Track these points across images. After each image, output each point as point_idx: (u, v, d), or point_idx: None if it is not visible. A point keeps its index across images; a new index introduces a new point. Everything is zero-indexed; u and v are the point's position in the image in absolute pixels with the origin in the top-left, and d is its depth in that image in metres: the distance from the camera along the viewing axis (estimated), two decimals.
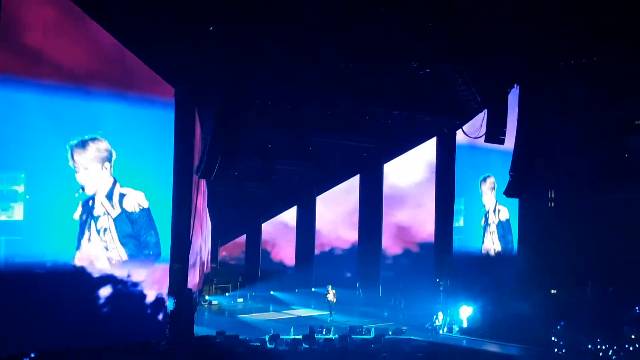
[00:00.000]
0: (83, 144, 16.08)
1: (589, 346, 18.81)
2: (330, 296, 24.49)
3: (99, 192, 16.48)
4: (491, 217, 27.06)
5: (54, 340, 15.36)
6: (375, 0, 17.55)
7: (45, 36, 15.10)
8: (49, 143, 15.51)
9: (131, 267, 16.92)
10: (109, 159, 16.53)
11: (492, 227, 27.15)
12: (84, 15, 15.48)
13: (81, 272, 16.05)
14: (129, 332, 16.65)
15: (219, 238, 31.14)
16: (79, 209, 16.13)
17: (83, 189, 16.18)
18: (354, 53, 19.57)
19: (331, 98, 22.30)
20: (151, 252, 17.24)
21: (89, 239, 16.28)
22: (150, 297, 17.21)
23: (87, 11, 15.46)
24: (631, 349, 18.56)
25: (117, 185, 16.71)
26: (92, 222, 16.34)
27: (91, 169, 16.28)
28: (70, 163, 15.91)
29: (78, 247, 16.12)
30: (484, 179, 26.86)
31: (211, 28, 15.82)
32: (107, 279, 16.48)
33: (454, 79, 21.45)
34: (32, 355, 14.77)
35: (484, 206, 26.79)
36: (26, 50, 14.84)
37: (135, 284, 16.97)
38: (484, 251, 26.75)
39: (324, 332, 20.46)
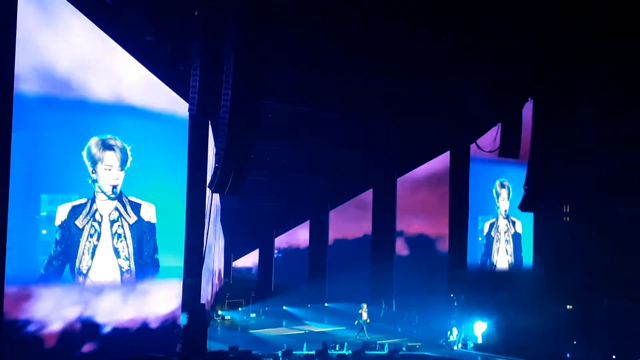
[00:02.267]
0: (105, 142, 16.16)
1: None
2: (364, 315, 24.09)
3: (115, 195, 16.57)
4: (502, 227, 26.85)
5: (63, 354, 15.29)
6: (388, 14, 17.56)
7: (69, 56, 15.26)
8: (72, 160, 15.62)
9: (142, 280, 16.90)
10: (126, 161, 16.61)
11: (503, 238, 26.94)
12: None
13: (92, 284, 16.03)
14: (141, 347, 16.59)
15: (231, 252, 31.12)
16: (85, 211, 15.98)
17: (100, 188, 16.18)
18: (366, 66, 19.60)
19: (343, 111, 22.33)
20: (152, 267, 17.22)
21: (102, 246, 16.31)
22: (162, 312, 17.18)
23: (106, 31, 15.62)
24: None
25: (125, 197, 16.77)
26: (104, 227, 16.35)
27: (113, 169, 16.35)
28: (88, 160, 15.92)
29: (93, 254, 16.11)
30: (502, 184, 26.71)
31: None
32: (118, 291, 16.47)
33: (467, 93, 21.42)
34: None
35: (498, 210, 26.56)
36: (53, 71, 14.98)
37: (147, 298, 16.94)
38: (493, 263, 26.52)
39: (337, 348, 20.34)
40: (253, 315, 27.67)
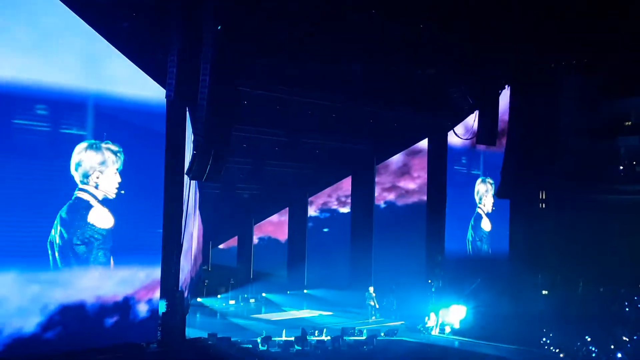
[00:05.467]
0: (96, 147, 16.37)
1: (582, 347, 18.85)
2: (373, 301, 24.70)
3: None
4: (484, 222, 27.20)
5: (41, 342, 15.25)
6: (368, 1, 17.56)
7: (38, 39, 15.01)
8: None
9: (120, 268, 16.84)
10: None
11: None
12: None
13: (70, 272, 15.96)
14: (119, 334, 16.57)
15: (210, 240, 31.03)
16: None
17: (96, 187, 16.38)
18: (345, 53, 19.58)
19: (322, 98, 22.32)
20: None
21: None
22: (141, 299, 17.13)
23: (79, 14, 15.40)
24: (619, 354, 18.60)
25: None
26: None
27: (106, 172, 16.58)
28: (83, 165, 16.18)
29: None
30: (483, 181, 26.95)
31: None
32: (97, 280, 16.40)
33: (445, 80, 21.49)
34: None
35: (478, 206, 26.82)
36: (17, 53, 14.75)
37: (126, 286, 16.88)
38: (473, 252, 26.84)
39: (316, 334, 20.43)
40: (232, 302, 27.66)
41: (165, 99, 17.11)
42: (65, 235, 15.84)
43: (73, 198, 16.07)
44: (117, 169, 16.78)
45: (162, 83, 16.89)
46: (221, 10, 15.74)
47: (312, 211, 30.70)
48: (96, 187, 16.41)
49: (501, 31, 19.39)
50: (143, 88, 17.01)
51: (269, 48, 18.43)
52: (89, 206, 16.26)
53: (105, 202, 16.57)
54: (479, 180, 26.79)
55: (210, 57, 15.56)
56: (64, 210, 15.88)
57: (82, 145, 16.22)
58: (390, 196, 28.40)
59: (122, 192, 16.80)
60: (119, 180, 16.80)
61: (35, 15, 15.07)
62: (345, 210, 29.65)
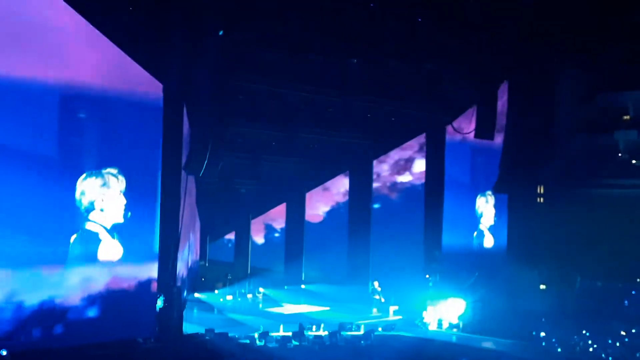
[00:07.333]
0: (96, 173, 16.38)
1: (579, 341, 18.86)
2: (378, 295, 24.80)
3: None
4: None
5: (36, 337, 15.19)
6: None
7: (29, 30, 14.86)
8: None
9: (117, 264, 16.76)
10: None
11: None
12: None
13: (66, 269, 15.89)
14: (116, 330, 16.50)
15: (207, 235, 30.96)
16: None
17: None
18: (341, 48, 19.52)
19: (318, 93, 22.24)
20: None
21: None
22: (138, 295, 17.07)
23: (72, 5, 15.23)
24: (618, 344, 18.60)
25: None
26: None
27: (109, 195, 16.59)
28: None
29: None
30: (482, 195, 26.95)
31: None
32: (94, 276, 16.33)
33: (443, 75, 21.44)
34: (3, 353, 14.29)
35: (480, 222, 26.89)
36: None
37: (122, 281, 16.82)
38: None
39: (313, 329, 20.39)
40: (229, 297, 27.60)
41: (162, 93, 17.06)
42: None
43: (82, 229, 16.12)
44: (121, 191, 16.67)
45: (159, 77, 16.81)
46: (220, 6, 15.67)
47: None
48: (101, 210, 16.32)
49: (499, 26, 19.33)
50: (140, 82, 16.86)
51: (267, 42, 18.36)
52: (97, 239, 16.32)
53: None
54: (478, 197, 26.75)
55: (210, 52, 15.49)
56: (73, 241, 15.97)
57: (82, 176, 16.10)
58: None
59: (129, 214, 16.71)
60: (124, 202, 16.72)
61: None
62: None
